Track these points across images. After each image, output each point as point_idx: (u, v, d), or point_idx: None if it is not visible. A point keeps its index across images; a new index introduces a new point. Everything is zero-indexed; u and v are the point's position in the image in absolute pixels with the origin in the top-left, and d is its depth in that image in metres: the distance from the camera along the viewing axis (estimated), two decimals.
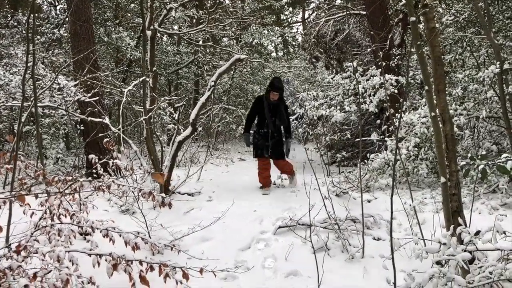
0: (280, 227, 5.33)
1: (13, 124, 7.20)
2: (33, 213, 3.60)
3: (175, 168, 8.83)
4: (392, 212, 3.35)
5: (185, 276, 3.33)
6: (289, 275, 4.34)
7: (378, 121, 8.68)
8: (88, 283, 3.11)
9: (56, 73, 5.90)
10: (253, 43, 14.83)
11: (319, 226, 5.24)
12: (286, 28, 16.39)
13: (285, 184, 7.91)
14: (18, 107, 7.07)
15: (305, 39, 11.63)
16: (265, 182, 7.43)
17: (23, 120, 5.20)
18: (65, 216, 3.48)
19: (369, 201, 6.38)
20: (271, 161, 7.56)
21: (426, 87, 3.97)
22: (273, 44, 23.14)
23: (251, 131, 7.84)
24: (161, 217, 5.55)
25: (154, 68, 6.48)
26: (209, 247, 4.88)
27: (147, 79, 5.81)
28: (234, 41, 13.13)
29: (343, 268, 4.45)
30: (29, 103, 6.51)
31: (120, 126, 6.07)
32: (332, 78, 9.17)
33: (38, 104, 7.03)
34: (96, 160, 4.06)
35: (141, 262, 3.11)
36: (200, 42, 12.26)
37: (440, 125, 3.96)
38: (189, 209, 6.09)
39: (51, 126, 8.45)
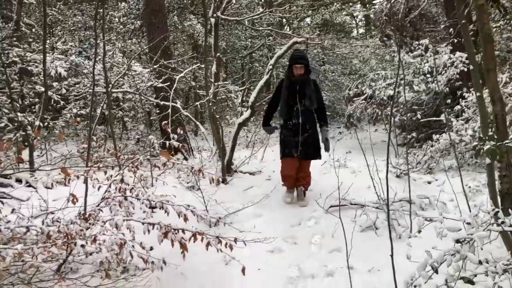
0: (331, 206, 5.48)
1: (96, 109, 8.00)
2: (100, 186, 4.12)
3: (242, 149, 9.25)
4: (387, 195, 3.38)
5: (230, 246, 3.64)
6: (333, 251, 4.52)
7: (449, 101, 8.36)
8: (143, 248, 3.55)
9: (129, 61, 6.47)
10: (327, 23, 14.70)
11: (371, 206, 5.33)
12: (367, 5, 16.01)
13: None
14: (99, 93, 7.84)
15: (376, 16, 11.36)
16: (290, 181, 5.81)
17: (102, 105, 5.85)
18: (125, 190, 3.95)
19: (429, 183, 6.29)
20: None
21: (471, 66, 3.89)
22: (353, 22, 22.67)
23: (277, 124, 6.30)
24: (221, 193, 5.95)
25: (218, 54, 6.83)
26: (261, 222, 5.18)
27: (210, 65, 6.18)
28: (306, 22, 13.16)
29: (388, 246, 4.52)
30: (108, 89, 7.21)
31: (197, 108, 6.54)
32: (402, 57, 8.94)
33: (118, 90, 7.75)
34: (155, 141, 4.48)
35: (183, 231, 3.48)
36: (265, 26, 12.46)
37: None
38: (248, 187, 6.43)
39: (131, 110, 9.20)
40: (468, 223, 2.88)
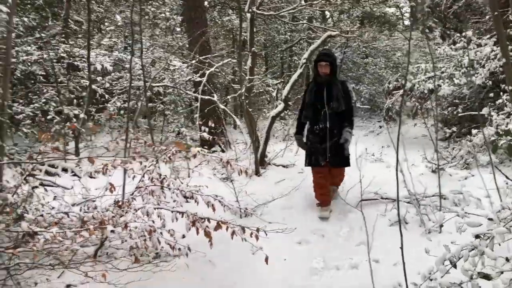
0: (362, 200, 5.48)
1: (138, 102, 8.31)
2: (134, 176, 4.34)
3: (279, 142, 9.34)
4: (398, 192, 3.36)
5: (256, 236, 3.76)
6: (360, 244, 4.55)
7: (492, 95, 8.08)
8: (171, 235, 3.73)
9: (167, 57, 6.70)
10: (368, 15, 14.44)
11: (402, 201, 5.29)
12: None
13: None
14: (140, 86, 8.14)
15: (417, 8, 11.06)
16: (324, 199, 5.33)
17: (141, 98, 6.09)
18: (161, 180, 4.14)
19: (465, 178, 6.15)
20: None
21: (504, 60, 3.80)
22: (398, 14, 22.13)
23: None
24: (253, 185, 6.08)
25: (253, 49, 6.94)
26: (290, 214, 5.28)
27: (243, 59, 6.30)
28: (346, 15, 13.03)
29: (416, 241, 4.50)
30: (149, 83, 7.49)
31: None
32: (443, 50, 8.73)
33: (158, 84, 8.03)
34: (186, 133, 4.65)
35: (209, 220, 3.63)
36: (306, 20, 12.42)
37: None
38: (280, 179, 6.53)
39: (171, 103, 9.48)
40: (490, 219, 2.85)
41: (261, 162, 6.72)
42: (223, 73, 7.60)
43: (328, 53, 5.20)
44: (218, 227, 3.53)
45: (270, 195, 5.72)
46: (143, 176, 4.24)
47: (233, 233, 3.62)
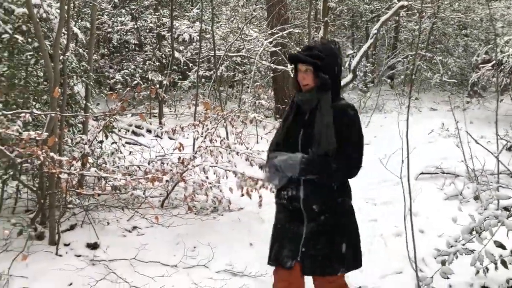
0: (422, 173, 5.47)
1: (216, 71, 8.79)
2: (197, 137, 4.80)
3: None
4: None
5: None
6: (409, 214, 4.61)
7: None
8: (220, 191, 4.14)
9: (242, 27, 7.01)
10: None
11: (463, 175, 5.20)
12: None
13: None
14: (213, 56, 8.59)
15: None
16: None
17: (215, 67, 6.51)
18: (216, 141, 4.56)
19: None
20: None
21: None
22: None
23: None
24: None
25: (326, 19, 7.01)
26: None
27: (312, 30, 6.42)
28: None
29: (466, 216, 4.47)
30: (224, 52, 7.91)
31: None
32: None
33: (235, 54, 8.41)
34: (246, 100, 4.96)
35: (251, 179, 3.96)
36: None
37: None
38: None
39: (248, 73, 9.86)
40: None
41: None
42: (292, 44, 7.72)
43: (313, 47, 2.38)
44: (263, 186, 3.84)
45: None
46: (205, 138, 4.66)
47: None
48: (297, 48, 8.65)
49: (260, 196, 3.97)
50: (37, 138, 2.95)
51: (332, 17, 9.60)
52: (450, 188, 5.05)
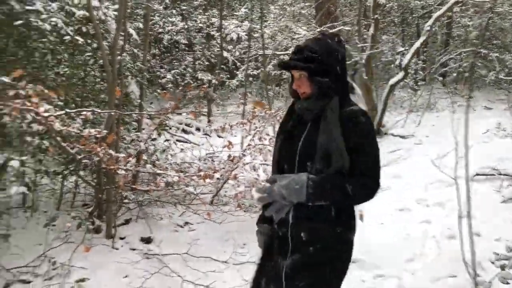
0: (477, 174, 5.27)
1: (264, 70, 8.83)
2: (247, 135, 4.85)
3: (406, 112, 9.12)
4: None
5: None
6: (464, 217, 4.46)
7: None
8: None
9: (292, 25, 7.01)
10: None
11: None
12: None
13: None
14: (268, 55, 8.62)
15: None
16: None
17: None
18: (265, 139, 4.58)
19: None
20: None
21: None
22: None
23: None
24: None
25: (376, 16, 6.89)
26: (398, 183, 5.32)
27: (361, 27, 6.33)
28: None
29: None
30: (272, 51, 7.93)
31: None
32: None
33: (282, 52, 8.43)
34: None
35: None
36: None
37: None
38: (395, 149, 6.52)
39: None
40: None
41: (377, 131, 6.76)
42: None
43: (303, 48, 1.90)
44: None
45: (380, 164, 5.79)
46: (254, 136, 4.70)
47: None
48: (347, 46, 8.55)
49: None
50: (97, 135, 3.08)
51: (382, 14, 9.42)
52: (507, 191, 4.84)
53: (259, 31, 8.68)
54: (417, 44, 6.31)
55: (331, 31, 6.97)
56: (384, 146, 6.65)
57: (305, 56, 1.84)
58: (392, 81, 6.55)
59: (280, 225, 1.90)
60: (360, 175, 1.78)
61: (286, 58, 9.51)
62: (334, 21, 8.86)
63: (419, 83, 10.96)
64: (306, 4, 10.21)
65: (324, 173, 1.78)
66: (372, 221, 4.30)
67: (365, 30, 8.07)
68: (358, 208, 1.95)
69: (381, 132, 6.94)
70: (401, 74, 6.36)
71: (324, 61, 1.84)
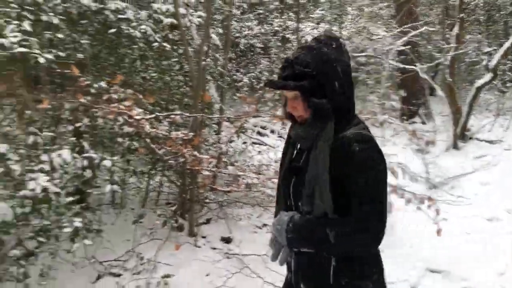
0: None
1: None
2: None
3: (492, 115, 8.60)
4: None
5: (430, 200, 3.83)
6: None
7: None
8: None
9: (371, 26, 6.86)
10: None
11: None
12: None
13: None
14: None
15: None
16: None
17: None
18: None
19: None
20: None
21: None
22: None
23: None
24: (448, 158, 5.94)
25: (462, 15, 6.57)
26: (485, 191, 5.04)
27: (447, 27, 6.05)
28: None
29: None
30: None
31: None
32: None
33: (360, 54, 8.28)
34: (376, 102, 4.86)
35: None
36: None
37: None
38: (482, 154, 6.17)
39: (372, 73, 9.60)
40: None
41: (461, 136, 6.44)
42: (423, 42, 7.28)
43: (293, 62, 1.52)
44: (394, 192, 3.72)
45: (465, 170, 5.52)
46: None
47: (409, 200, 3.77)
48: (428, 46, 8.23)
49: None
50: (184, 137, 3.21)
51: (466, 12, 8.94)
52: None
53: (336, 32, 8.58)
54: (508, 44, 5.92)
55: (414, 31, 6.74)
56: (469, 151, 6.33)
57: (295, 72, 1.48)
58: (479, 83, 6.19)
59: (288, 269, 1.68)
60: (353, 218, 1.43)
61: (363, 59, 9.40)
62: (415, 21, 8.56)
63: (507, 85, 10.26)
64: (385, 4, 9.94)
65: (311, 215, 1.49)
66: (458, 231, 4.12)
67: (447, 30, 7.71)
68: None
69: (466, 137, 6.59)
70: (489, 76, 6.00)
71: (320, 76, 1.48)
